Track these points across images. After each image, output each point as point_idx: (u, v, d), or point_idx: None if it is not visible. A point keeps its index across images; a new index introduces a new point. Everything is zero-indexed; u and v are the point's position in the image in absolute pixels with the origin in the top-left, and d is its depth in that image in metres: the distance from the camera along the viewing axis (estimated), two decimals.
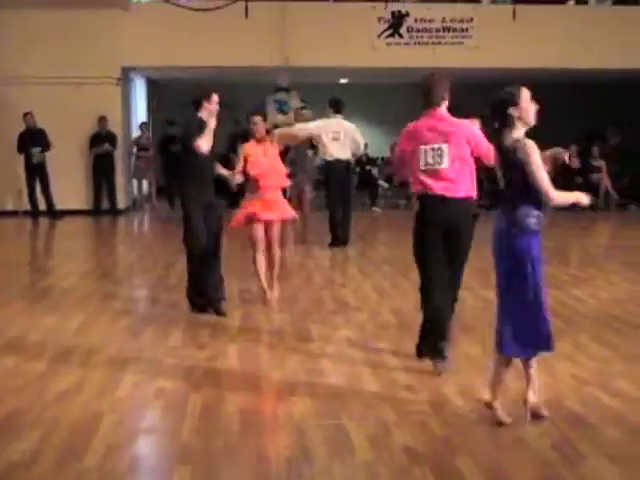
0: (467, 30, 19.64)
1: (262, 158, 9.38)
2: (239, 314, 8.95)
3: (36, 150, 18.60)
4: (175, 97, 22.32)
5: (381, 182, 21.70)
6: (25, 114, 18.60)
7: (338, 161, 13.94)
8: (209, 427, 5.59)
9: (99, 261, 13.42)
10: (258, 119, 9.56)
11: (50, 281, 11.39)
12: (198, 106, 8.99)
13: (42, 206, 18.94)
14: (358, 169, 21.30)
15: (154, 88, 24.32)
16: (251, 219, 9.34)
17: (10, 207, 19.47)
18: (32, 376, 6.74)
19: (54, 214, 18.72)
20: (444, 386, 6.39)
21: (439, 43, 19.68)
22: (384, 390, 6.31)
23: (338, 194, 14.07)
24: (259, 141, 9.52)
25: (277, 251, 9.69)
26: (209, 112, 8.98)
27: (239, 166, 9.35)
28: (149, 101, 24.21)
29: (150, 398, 6.23)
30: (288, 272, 11.57)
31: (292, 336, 8.03)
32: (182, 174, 9.10)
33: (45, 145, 18.70)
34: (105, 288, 10.60)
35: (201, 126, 8.87)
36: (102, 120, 19.26)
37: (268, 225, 9.46)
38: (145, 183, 21.38)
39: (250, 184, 9.44)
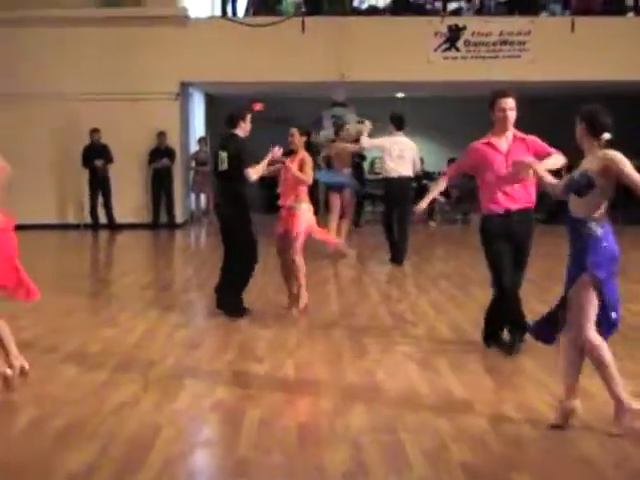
0: (524, 43, 19.52)
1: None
2: (295, 328, 8.97)
3: (99, 162, 18.89)
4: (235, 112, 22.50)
5: (437, 196, 21.59)
6: (93, 130, 18.91)
7: (400, 178, 13.94)
8: (266, 441, 5.60)
9: (158, 274, 13.54)
10: (294, 130, 9.86)
11: (110, 293, 11.54)
12: (235, 124, 9.54)
13: (102, 219, 19.20)
14: (415, 183, 21.26)
15: (212, 103, 24.49)
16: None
17: (72, 220, 19.73)
18: (91, 387, 6.82)
19: (114, 227, 18.97)
20: (502, 401, 6.34)
21: (496, 57, 19.59)
22: (441, 405, 6.28)
23: (398, 211, 14.03)
24: (293, 152, 9.85)
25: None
26: (244, 131, 9.46)
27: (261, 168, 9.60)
28: (207, 116, 24.38)
29: (207, 411, 6.26)
30: (342, 287, 11.59)
31: (349, 351, 8.03)
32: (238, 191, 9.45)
33: (108, 159, 18.98)
34: (163, 300, 10.69)
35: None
36: (161, 135, 19.46)
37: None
38: (203, 197, 21.54)
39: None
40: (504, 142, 7.50)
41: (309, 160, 9.77)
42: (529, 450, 5.46)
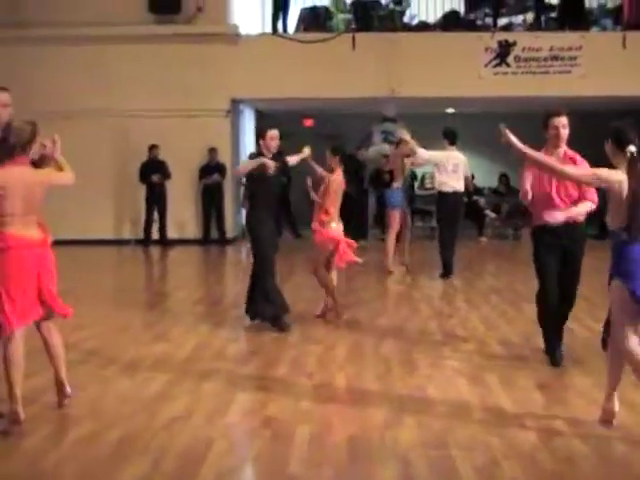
0: (575, 59, 19.43)
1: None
2: (345, 343, 9.00)
3: (156, 176, 19.10)
4: (284, 128, 22.65)
5: (488, 212, 21.57)
6: (151, 146, 19.15)
7: (455, 193, 13.97)
8: (317, 455, 5.62)
9: (209, 289, 13.64)
10: (327, 152, 10.45)
11: (163, 308, 11.64)
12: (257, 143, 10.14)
13: (155, 235, 19.38)
14: (465, 199, 21.22)
15: (263, 119, 24.61)
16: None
17: (127, 236, 19.94)
18: (144, 401, 6.89)
19: (165, 243, 19.14)
20: (553, 417, 6.32)
21: (547, 72, 19.51)
22: (492, 421, 6.26)
23: (451, 225, 14.04)
24: (332, 172, 10.35)
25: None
26: (267, 149, 9.90)
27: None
28: (258, 132, 24.49)
29: (258, 425, 6.29)
30: (393, 302, 11.62)
31: (399, 366, 8.04)
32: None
33: (165, 175, 19.19)
34: (215, 315, 10.76)
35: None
36: (212, 151, 19.61)
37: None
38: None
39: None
40: (555, 160, 7.28)
41: (336, 182, 10.29)
42: (580, 466, 5.43)
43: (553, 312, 7.82)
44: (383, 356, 8.46)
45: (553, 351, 7.89)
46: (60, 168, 6.59)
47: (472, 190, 21.13)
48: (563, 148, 7.68)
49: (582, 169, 6.79)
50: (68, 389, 6.60)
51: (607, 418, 6.06)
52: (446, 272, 13.85)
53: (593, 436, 5.86)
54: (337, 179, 10.22)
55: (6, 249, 6.04)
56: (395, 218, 14.55)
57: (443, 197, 14.02)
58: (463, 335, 9.43)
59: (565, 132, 7.62)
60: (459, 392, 7.09)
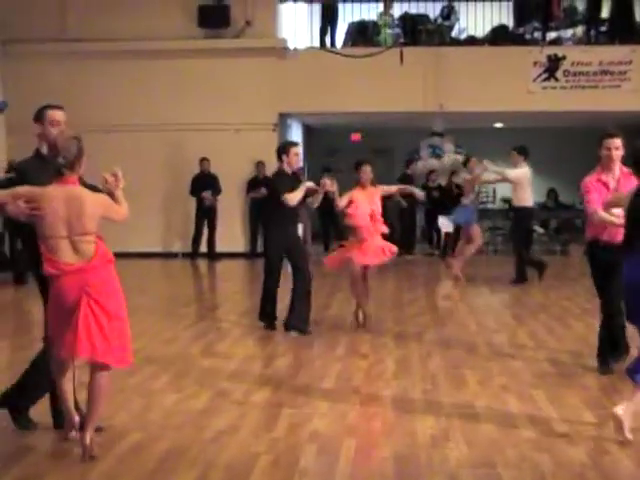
0: (625, 73, 19.27)
1: (366, 206, 10.38)
2: (392, 358, 8.96)
3: (207, 193, 19.20)
4: (331, 142, 22.74)
5: (536, 227, 21.40)
6: (202, 159, 19.27)
7: (530, 208, 14.60)
8: (363, 472, 5.61)
9: (256, 302, 13.60)
10: (368, 168, 10.47)
11: (208, 321, 11.67)
12: (279, 158, 10.29)
13: (203, 248, 19.47)
14: (512, 214, 21.10)
15: (310, 133, 24.69)
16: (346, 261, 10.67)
17: (175, 249, 20.06)
18: (190, 414, 6.91)
19: (213, 256, 19.21)
20: (602, 436, 6.23)
21: (596, 87, 19.37)
22: (541, 439, 6.19)
23: (528, 238, 14.78)
24: (364, 188, 10.45)
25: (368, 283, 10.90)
26: (289, 165, 10.12)
27: (340, 202, 10.39)
28: (305, 146, 24.57)
29: (305, 440, 6.27)
30: (440, 317, 11.59)
31: (446, 381, 7.99)
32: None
33: (216, 190, 19.27)
34: (261, 329, 10.77)
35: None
36: (260, 165, 19.67)
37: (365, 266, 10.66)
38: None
39: (351, 228, 10.59)
40: (611, 179, 7.89)
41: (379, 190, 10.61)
42: None
43: (619, 324, 8.00)
44: (430, 371, 8.42)
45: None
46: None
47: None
48: (617, 167, 7.90)
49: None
50: (73, 433, 6.08)
51: None
52: (522, 279, 14.38)
53: None
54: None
55: (48, 274, 5.72)
56: (478, 233, 14.98)
57: (521, 211, 14.40)
58: (510, 351, 9.35)
59: (618, 154, 7.85)
60: (507, 409, 7.03)
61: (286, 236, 10.35)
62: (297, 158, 10.26)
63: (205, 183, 19.36)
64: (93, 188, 6.03)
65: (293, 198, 10.00)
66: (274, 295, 10.74)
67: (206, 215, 19.52)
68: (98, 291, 5.70)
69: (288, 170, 10.13)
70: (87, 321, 5.61)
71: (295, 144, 10.48)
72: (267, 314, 10.73)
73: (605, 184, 7.85)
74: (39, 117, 6.31)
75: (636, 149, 6.33)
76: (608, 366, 8.10)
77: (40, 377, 6.32)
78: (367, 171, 10.44)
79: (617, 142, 7.87)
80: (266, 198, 10.63)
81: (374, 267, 10.98)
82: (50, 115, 6.30)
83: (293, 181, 10.22)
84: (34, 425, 6.46)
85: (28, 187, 5.80)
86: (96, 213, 5.79)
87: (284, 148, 10.27)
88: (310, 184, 10.20)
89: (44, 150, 6.28)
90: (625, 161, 7.65)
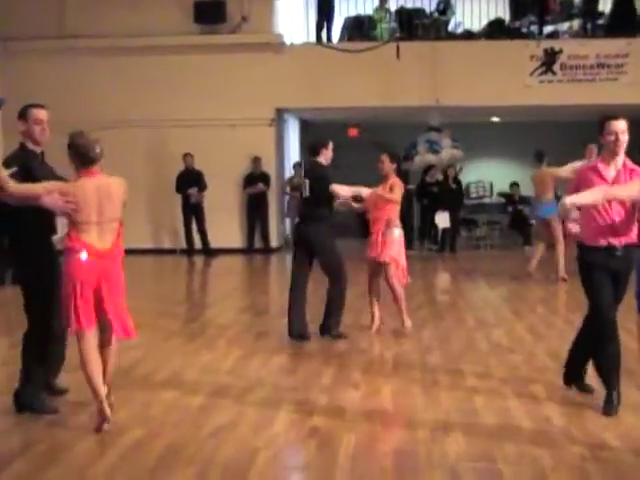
0: (622, 66, 19.26)
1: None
2: (391, 354, 8.95)
3: (193, 190, 19.17)
4: (328, 137, 22.69)
5: (533, 221, 21.39)
6: (185, 154, 19.21)
7: None
8: (362, 467, 5.59)
9: (253, 299, 13.64)
10: (384, 157, 10.07)
11: (206, 318, 11.67)
12: (318, 152, 9.81)
13: (197, 244, 19.45)
14: (510, 209, 21.10)
15: (307, 128, 24.66)
16: None
17: (167, 245, 20.03)
18: (189, 411, 6.90)
19: (209, 252, 19.19)
20: (603, 431, 6.22)
21: (593, 80, 19.36)
22: (540, 434, 6.19)
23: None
24: (384, 178, 10.05)
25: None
26: (326, 159, 9.80)
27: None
28: (302, 141, 24.56)
29: (304, 436, 6.26)
30: (438, 312, 11.58)
31: (445, 376, 7.98)
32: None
33: (201, 186, 19.23)
34: (259, 326, 10.77)
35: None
36: (256, 160, 19.66)
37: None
38: (287, 221, 21.65)
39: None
40: (612, 169, 6.73)
41: (399, 184, 10.00)
42: None
43: (614, 331, 6.84)
44: (429, 366, 8.41)
45: (610, 399, 6.80)
46: None
47: (517, 199, 21.08)
48: (622, 157, 6.76)
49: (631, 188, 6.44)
50: (107, 411, 6.30)
51: None
52: None
53: None
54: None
55: (75, 253, 6.24)
56: (560, 230, 14.05)
57: None
58: (510, 346, 9.35)
59: (624, 138, 6.70)
60: (506, 404, 7.01)
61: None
62: (331, 154, 9.88)
63: (190, 179, 19.33)
64: (61, 178, 6.68)
65: (340, 192, 9.68)
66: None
67: (193, 211, 19.47)
68: (114, 276, 6.47)
69: (325, 163, 9.82)
70: (115, 302, 6.42)
71: (329, 139, 10.01)
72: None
73: (600, 174, 6.71)
74: (23, 115, 6.74)
75: None
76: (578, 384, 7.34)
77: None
78: (385, 160, 10.04)
79: (623, 125, 6.70)
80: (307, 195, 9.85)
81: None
82: (34, 114, 6.73)
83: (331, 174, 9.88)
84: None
85: (58, 183, 6.45)
86: (120, 196, 6.51)
87: (324, 142, 9.85)
88: (364, 192, 9.94)
89: (30, 146, 6.74)
90: (631, 153, 6.85)
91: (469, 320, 11.05)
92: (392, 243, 9.97)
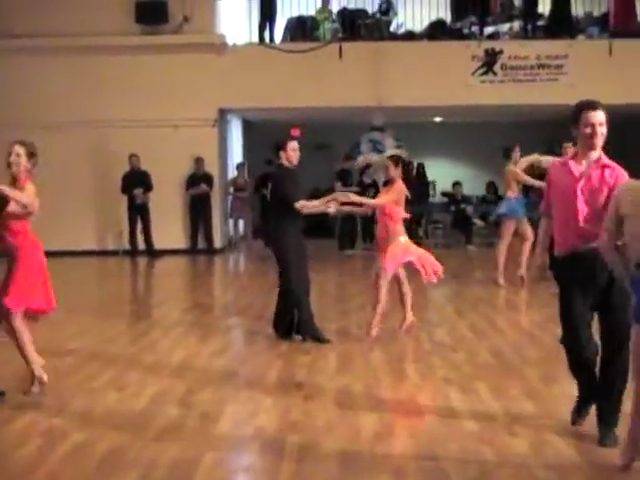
0: (562, 67, 19.48)
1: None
2: (334, 354, 8.96)
3: (139, 191, 19.04)
4: (271, 137, 22.69)
5: (476, 220, 21.58)
6: (131, 155, 19.08)
7: None
8: (307, 468, 5.58)
9: (197, 300, 13.56)
10: (389, 162, 9.93)
11: (150, 319, 11.61)
12: (277, 154, 9.62)
13: (141, 245, 19.32)
14: (453, 208, 21.23)
15: (250, 129, 24.63)
16: None
17: (111, 247, 19.86)
18: (133, 413, 6.85)
19: (153, 253, 19.07)
20: (544, 427, 6.29)
21: (533, 80, 19.55)
22: (484, 431, 6.23)
23: None
24: (389, 183, 10.00)
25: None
26: (288, 160, 9.58)
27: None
28: (245, 142, 24.51)
29: (248, 438, 6.25)
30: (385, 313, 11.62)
31: (389, 376, 8.01)
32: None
33: (147, 187, 19.11)
34: (203, 326, 10.71)
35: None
36: (199, 161, 19.57)
37: None
38: (241, 223, 21.60)
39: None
40: (584, 164, 5.94)
41: (394, 189, 9.76)
42: (572, 475, 5.42)
43: (588, 365, 6.07)
44: (373, 366, 8.44)
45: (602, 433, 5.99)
46: None
47: (459, 199, 21.23)
48: (598, 152, 5.93)
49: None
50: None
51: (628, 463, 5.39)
52: None
53: (584, 444, 5.84)
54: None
55: (37, 247, 7.17)
56: (508, 228, 13.87)
57: None
58: (452, 344, 9.41)
59: (602, 130, 5.86)
60: (449, 402, 7.06)
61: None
62: (296, 153, 9.60)
63: (136, 180, 19.18)
64: None
65: (305, 210, 9.48)
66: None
67: (139, 212, 19.34)
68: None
69: (289, 166, 9.58)
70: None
71: (293, 138, 9.71)
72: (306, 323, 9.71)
73: (570, 170, 5.94)
74: None
75: None
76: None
77: None
78: (390, 166, 9.84)
79: (601, 116, 5.84)
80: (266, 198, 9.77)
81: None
82: None
83: (296, 178, 9.67)
84: None
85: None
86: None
87: (282, 144, 9.60)
88: (345, 197, 9.73)
89: None
90: (608, 151, 6.00)
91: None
92: (390, 252, 9.61)
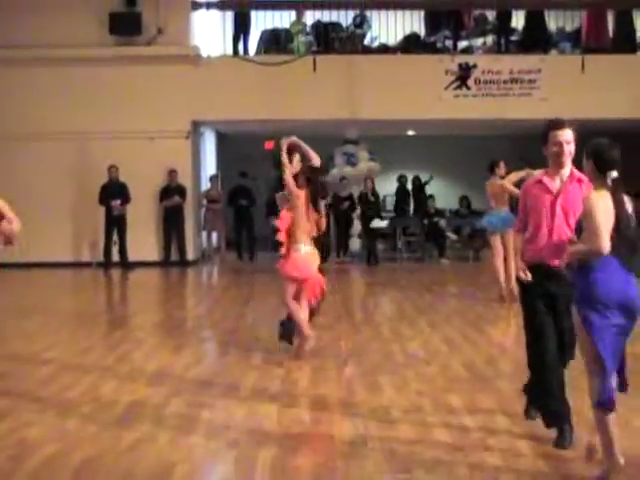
0: (535, 81, 19.62)
1: None
2: (309, 366, 8.96)
3: (116, 203, 18.96)
4: (245, 150, 22.71)
5: (449, 234, 21.66)
6: (110, 167, 19.02)
7: None
8: None
9: (170, 312, 13.54)
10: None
11: (124, 331, 11.55)
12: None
13: (115, 257, 19.23)
14: (426, 221, 21.29)
15: (223, 141, 24.61)
16: None
17: (86, 258, 19.74)
18: (107, 425, 6.82)
19: (126, 265, 18.99)
20: (516, 439, 6.32)
21: (507, 95, 19.68)
22: (456, 444, 6.25)
23: None
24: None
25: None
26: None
27: None
28: (219, 154, 24.49)
29: (222, 449, 6.25)
30: (355, 325, 11.63)
31: (362, 389, 8.01)
32: None
33: (125, 198, 19.06)
34: (177, 339, 10.69)
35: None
36: (172, 173, 19.54)
37: None
38: (214, 235, 21.59)
39: None
40: (557, 181, 6.21)
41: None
42: None
43: (556, 380, 6.35)
44: (346, 378, 8.44)
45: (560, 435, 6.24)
46: None
47: (433, 212, 21.30)
48: (568, 168, 6.20)
49: (597, 235, 5.28)
50: None
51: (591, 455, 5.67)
52: None
53: (555, 456, 5.88)
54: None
55: None
56: (493, 242, 13.63)
57: None
58: (426, 358, 9.43)
59: (570, 148, 6.14)
60: (423, 415, 7.07)
61: None
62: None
63: (114, 191, 19.11)
64: None
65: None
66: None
67: (115, 224, 19.27)
68: None
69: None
70: None
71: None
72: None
73: (547, 188, 6.20)
74: None
75: (597, 147, 5.39)
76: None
77: None
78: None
79: (569, 135, 6.12)
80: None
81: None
82: None
83: None
84: None
85: None
86: None
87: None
88: None
89: None
90: (578, 163, 6.04)
91: (385, 332, 11.11)
92: (290, 261, 9.22)
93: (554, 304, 6.19)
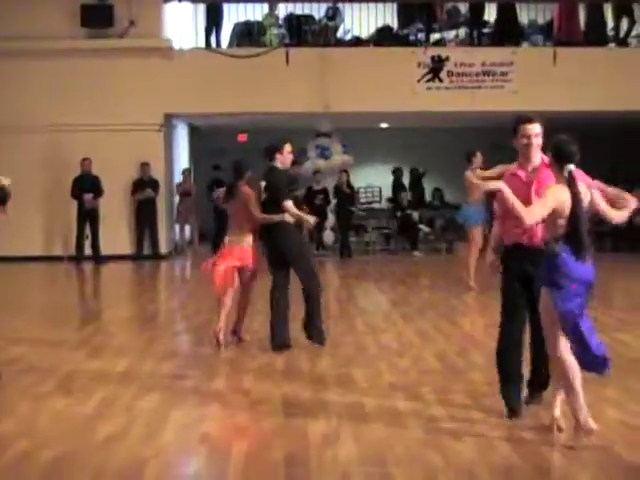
0: (507, 74, 19.68)
1: None
2: (281, 360, 8.95)
3: (89, 196, 18.84)
4: (217, 143, 22.67)
5: (422, 226, 21.69)
6: (83, 160, 18.91)
7: None
8: (254, 474, 5.57)
9: (143, 306, 13.50)
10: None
11: (97, 325, 11.52)
12: (272, 156, 9.50)
13: (87, 251, 19.13)
14: (399, 213, 21.32)
15: (196, 134, 24.54)
16: None
17: (58, 252, 19.62)
18: (79, 420, 6.79)
19: (99, 259, 18.89)
20: (490, 431, 6.34)
21: (479, 87, 19.73)
22: (429, 436, 6.25)
23: None
24: None
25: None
26: (282, 163, 9.54)
27: None
28: (191, 147, 24.42)
29: (195, 443, 6.22)
30: (328, 317, 11.61)
31: (335, 381, 8.01)
32: None
33: (98, 191, 18.95)
34: (149, 332, 10.66)
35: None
36: (144, 166, 19.46)
37: None
38: (187, 228, 21.52)
39: None
40: (530, 170, 6.49)
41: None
42: (517, 479, 5.46)
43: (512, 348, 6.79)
44: (320, 372, 8.44)
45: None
46: None
47: (406, 205, 21.32)
48: (538, 156, 6.48)
49: (536, 210, 5.86)
50: None
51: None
52: None
53: (529, 448, 5.90)
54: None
55: None
56: (474, 234, 13.65)
57: None
58: (399, 350, 9.44)
59: (538, 141, 6.45)
60: (396, 407, 7.08)
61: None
62: (291, 156, 9.67)
63: (86, 184, 19.00)
64: None
65: (291, 210, 9.39)
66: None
67: (87, 217, 19.15)
68: None
69: (281, 167, 9.54)
70: None
71: (286, 141, 9.64)
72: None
73: (520, 179, 6.47)
74: None
75: (557, 143, 5.87)
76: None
77: None
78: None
79: (537, 128, 6.42)
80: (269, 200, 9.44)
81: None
82: None
83: (288, 180, 9.81)
84: None
85: None
86: None
87: (277, 146, 9.54)
88: (309, 220, 9.71)
89: None
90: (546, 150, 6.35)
91: (359, 325, 11.12)
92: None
93: (530, 285, 6.42)
